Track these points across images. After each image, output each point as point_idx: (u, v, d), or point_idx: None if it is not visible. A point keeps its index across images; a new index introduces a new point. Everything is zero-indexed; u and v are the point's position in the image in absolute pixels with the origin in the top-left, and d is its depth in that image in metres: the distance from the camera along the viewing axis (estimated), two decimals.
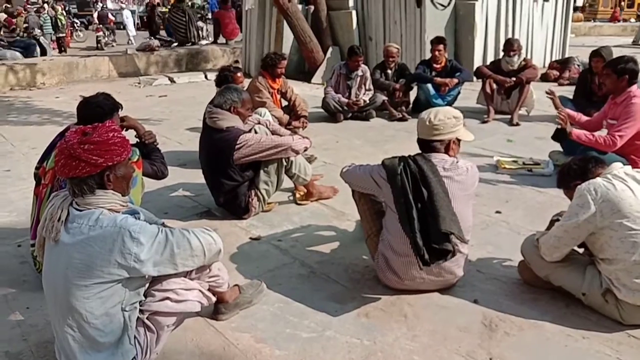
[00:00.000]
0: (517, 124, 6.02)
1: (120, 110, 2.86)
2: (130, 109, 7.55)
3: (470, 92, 7.11)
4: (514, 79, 6.19)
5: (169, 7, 17.92)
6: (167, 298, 2.05)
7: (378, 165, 2.58)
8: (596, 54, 5.74)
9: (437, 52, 6.46)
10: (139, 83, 9.40)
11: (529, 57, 9.83)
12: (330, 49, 9.57)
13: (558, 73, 8.92)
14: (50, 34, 14.34)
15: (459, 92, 6.59)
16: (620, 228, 2.25)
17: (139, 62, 10.51)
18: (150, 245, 1.90)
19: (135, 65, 10.50)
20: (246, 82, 5.29)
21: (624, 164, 4.00)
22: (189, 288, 2.11)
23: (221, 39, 12.86)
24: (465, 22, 8.78)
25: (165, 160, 3.08)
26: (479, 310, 2.50)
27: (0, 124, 6.65)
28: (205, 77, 9.90)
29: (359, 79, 6.43)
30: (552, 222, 2.65)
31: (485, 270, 2.87)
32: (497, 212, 3.64)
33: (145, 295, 2.05)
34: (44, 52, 11.67)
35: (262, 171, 3.49)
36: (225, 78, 4.59)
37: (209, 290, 2.25)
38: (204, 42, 12.77)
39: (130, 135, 3.06)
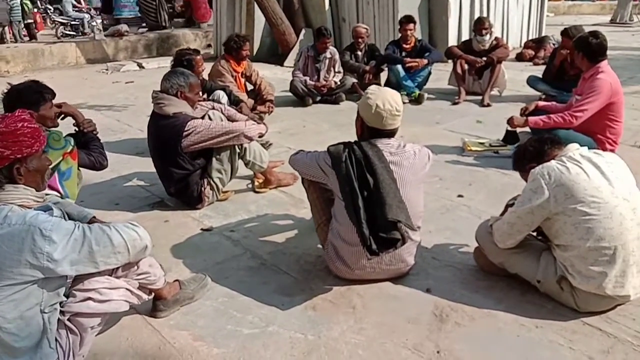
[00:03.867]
0: (488, 105, 5.91)
1: (53, 97, 2.69)
2: (95, 95, 7.37)
3: (443, 73, 6.98)
4: (484, 58, 6.08)
5: None
6: (90, 298, 1.91)
7: (324, 151, 2.44)
8: (564, 33, 5.62)
9: (407, 32, 6.32)
10: (106, 69, 9.12)
11: (504, 36, 9.74)
12: (302, 31, 9.37)
13: (533, 52, 8.84)
14: (19, 21, 13.89)
15: (429, 73, 6.46)
16: (574, 213, 2.14)
17: (107, 48, 10.20)
18: (65, 243, 1.75)
19: (104, 51, 10.18)
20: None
21: (591, 144, 3.95)
22: (114, 287, 1.97)
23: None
24: (438, 1, 8.63)
25: (105, 151, 2.91)
26: (430, 300, 2.40)
27: None
28: None
29: (327, 61, 6.27)
30: (507, 207, 2.55)
31: (441, 257, 2.77)
32: (459, 195, 3.54)
33: (67, 296, 1.91)
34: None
35: (214, 159, 3.33)
36: (182, 63, 4.38)
37: (140, 288, 2.12)
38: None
39: (69, 124, 2.91)
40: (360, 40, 6.54)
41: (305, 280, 2.60)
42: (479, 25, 6.19)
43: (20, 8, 13.85)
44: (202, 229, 3.18)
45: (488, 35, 6.19)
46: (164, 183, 3.42)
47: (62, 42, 10.32)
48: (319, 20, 9.36)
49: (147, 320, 2.33)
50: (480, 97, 6.13)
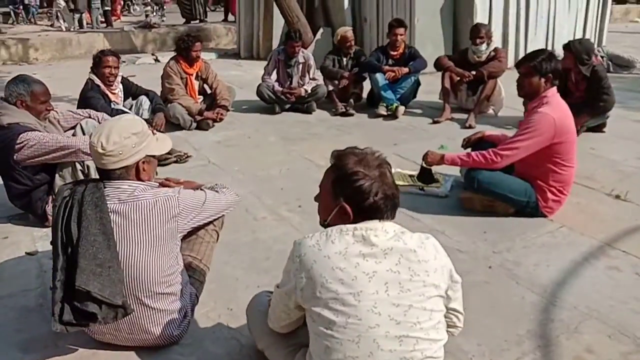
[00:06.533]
0: (470, 127, 5.11)
1: None
2: None
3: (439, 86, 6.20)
4: (474, 72, 5.30)
5: None
6: None
7: None
8: (566, 46, 4.75)
9: (397, 37, 5.65)
10: (123, 62, 9.16)
11: (551, 45, 8.61)
12: (320, 30, 8.87)
13: None
14: (98, 8, 14.52)
15: (417, 84, 5.73)
16: (318, 319, 1.50)
17: (135, 39, 10.32)
18: None
19: (132, 42, 10.31)
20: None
21: (528, 192, 3.19)
22: None
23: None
24: (463, 2, 7.78)
25: None
26: None
27: None
28: None
29: (300, 66, 5.77)
30: None
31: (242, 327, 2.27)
32: None
33: None
34: None
35: (57, 175, 3.04)
36: (95, 61, 4.19)
37: None
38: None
39: None
40: (348, 44, 5.96)
41: (61, 335, 2.21)
42: (475, 33, 5.39)
43: None
44: (26, 252, 2.90)
45: (485, 46, 5.39)
46: (8, 197, 3.17)
47: (92, 31, 10.57)
48: (339, 19, 8.81)
49: None
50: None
